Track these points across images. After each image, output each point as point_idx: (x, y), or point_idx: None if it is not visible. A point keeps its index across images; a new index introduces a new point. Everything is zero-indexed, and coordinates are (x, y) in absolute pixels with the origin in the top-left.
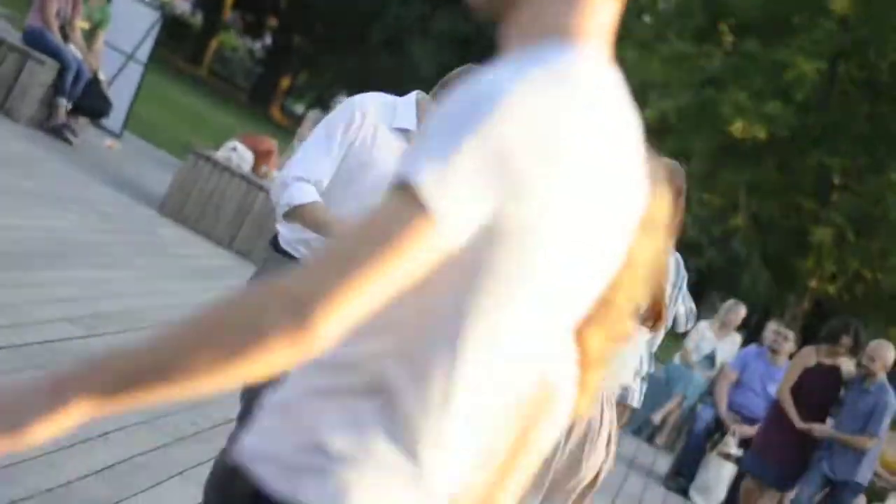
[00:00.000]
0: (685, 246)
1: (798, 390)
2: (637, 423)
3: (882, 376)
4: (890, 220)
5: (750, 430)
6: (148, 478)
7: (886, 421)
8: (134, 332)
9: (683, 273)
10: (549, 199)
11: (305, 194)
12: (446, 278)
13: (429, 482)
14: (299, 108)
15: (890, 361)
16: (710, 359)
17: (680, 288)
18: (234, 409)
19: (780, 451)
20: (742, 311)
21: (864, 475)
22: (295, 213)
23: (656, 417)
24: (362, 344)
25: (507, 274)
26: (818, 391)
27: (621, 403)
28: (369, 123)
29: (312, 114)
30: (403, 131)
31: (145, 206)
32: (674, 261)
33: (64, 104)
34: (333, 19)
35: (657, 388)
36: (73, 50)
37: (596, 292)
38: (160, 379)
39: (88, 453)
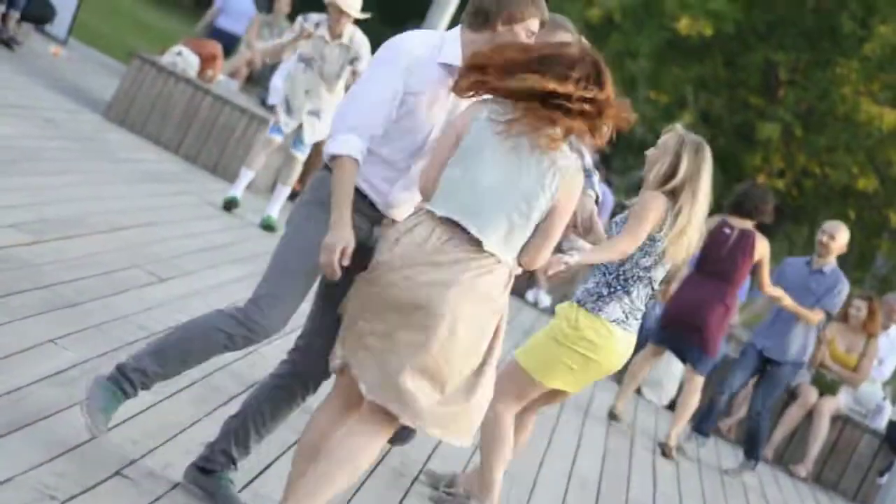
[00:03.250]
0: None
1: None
2: None
3: (834, 259)
4: (836, 114)
5: None
6: None
7: (839, 301)
8: (81, 237)
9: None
10: None
11: (343, 146)
12: None
13: None
14: None
15: (845, 244)
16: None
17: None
18: (180, 315)
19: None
20: None
21: (801, 354)
22: (332, 163)
23: None
24: None
25: None
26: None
27: None
28: (417, 64)
29: (260, 16)
30: (447, 66)
31: (91, 112)
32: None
33: (15, 16)
34: None
35: None
36: None
37: None
38: None
39: (38, 359)
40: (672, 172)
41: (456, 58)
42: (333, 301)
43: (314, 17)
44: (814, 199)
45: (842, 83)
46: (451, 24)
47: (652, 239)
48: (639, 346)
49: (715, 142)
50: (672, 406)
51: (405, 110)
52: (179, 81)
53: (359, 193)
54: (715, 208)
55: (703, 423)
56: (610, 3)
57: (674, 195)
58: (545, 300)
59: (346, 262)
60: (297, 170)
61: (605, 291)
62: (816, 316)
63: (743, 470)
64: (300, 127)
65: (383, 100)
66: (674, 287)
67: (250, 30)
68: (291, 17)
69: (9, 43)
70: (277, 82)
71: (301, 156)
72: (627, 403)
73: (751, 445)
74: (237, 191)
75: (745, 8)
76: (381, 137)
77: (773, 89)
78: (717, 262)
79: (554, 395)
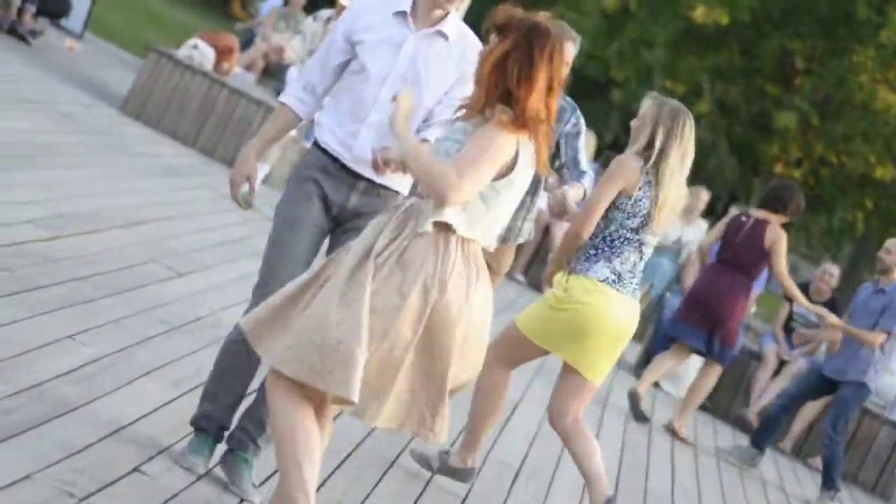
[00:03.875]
0: None
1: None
2: None
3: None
4: (853, 103)
5: None
6: (117, 378)
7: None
8: (99, 232)
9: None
10: None
11: (282, 95)
12: None
13: None
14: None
15: None
16: (677, 245)
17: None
18: (199, 309)
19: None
20: (705, 196)
21: (870, 376)
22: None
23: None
24: None
25: None
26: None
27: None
28: (362, 12)
29: (276, 9)
30: (401, 14)
31: (107, 106)
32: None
33: (18, 4)
34: None
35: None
36: None
37: None
38: None
39: (56, 355)
40: (650, 142)
41: (407, 4)
42: None
43: (324, 13)
44: (831, 188)
45: (858, 71)
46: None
47: (629, 198)
48: (665, 341)
49: (731, 131)
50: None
51: (357, 59)
52: (196, 75)
53: (327, 155)
54: (729, 198)
55: (760, 439)
56: None
57: (655, 165)
58: None
59: (252, 191)
60: (279, 147)
61: (591, 252)
62: (877, 338)
63: (824, 501)
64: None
65: (323, 50)
66: (689, 276)
67: (266, 22)
68: (307, 10)
69: (25, 37)
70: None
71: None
72: (647, 392)
73: (826, 473)
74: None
75: None
76: (341, 89)
77: (790, 78)
78: (734, 252)
79: (573, 382)
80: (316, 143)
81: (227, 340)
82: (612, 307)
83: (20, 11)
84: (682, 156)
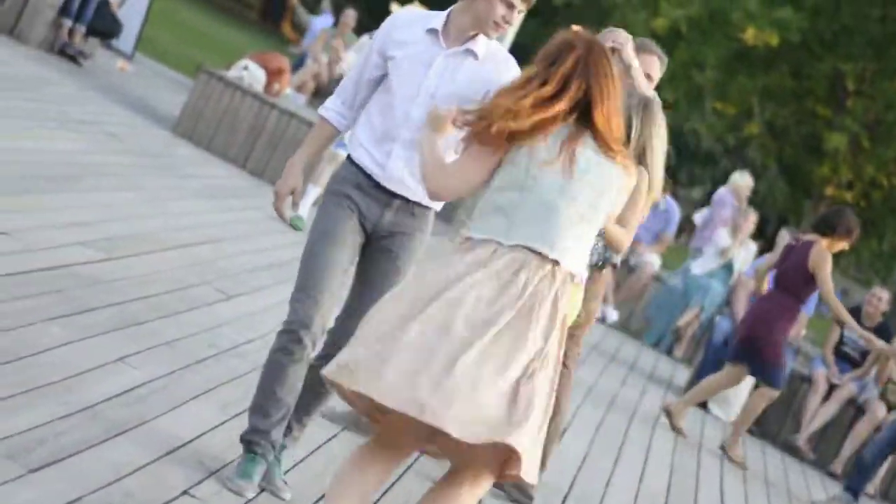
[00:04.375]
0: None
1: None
2: (655, 336)
3: None
4: None
5: None
6: (167, 401)
7: None
8: (150, 254)
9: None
10: None
11: (320, 109)
12: None
13: None
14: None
15: None
16: (728, 268)
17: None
18: (249, 332)
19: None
20: (753, 217)
21: None
22: None
23: (675, 325)
24: None
25: None
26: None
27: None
28: (395, 28)
29: (326, 31)
30: (433, 31)
31: (158, 128)
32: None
33: (69, 25)
34: None
35: (675, 300)
36: None
37: None
38: None
39: (107, 377)
40: (627, 135)
41: (439, 23)
42: (367, 281)
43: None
44: (882, 210)
45: None
46: (518, 35)
47: None
48: (715, 363)
49: (782, 153)
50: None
51: (388, 76)
52: (246, 96)
53: (361, 171)
54: (779, 221)
55: (855, 485)
56: (676, 13)
57: (638, 157)
58: (613, 315)
59: (295, 205)
60: (330, 169)
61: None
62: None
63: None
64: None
65: (359, 65)
66: (739, 299)
67: (316, 43)
68: (357, 31)
69: (76, 58)
70: None
71: (342, 153)
72: (686, 412)
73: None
74: (303, 209)
75: (811, 17)
76: (373, 106)
77: (841, 99)
78: (783, 275)
79: None
80: (350, 159)
81: (272, 351)
82: None
83: (71, 32)
84: (661, 143)
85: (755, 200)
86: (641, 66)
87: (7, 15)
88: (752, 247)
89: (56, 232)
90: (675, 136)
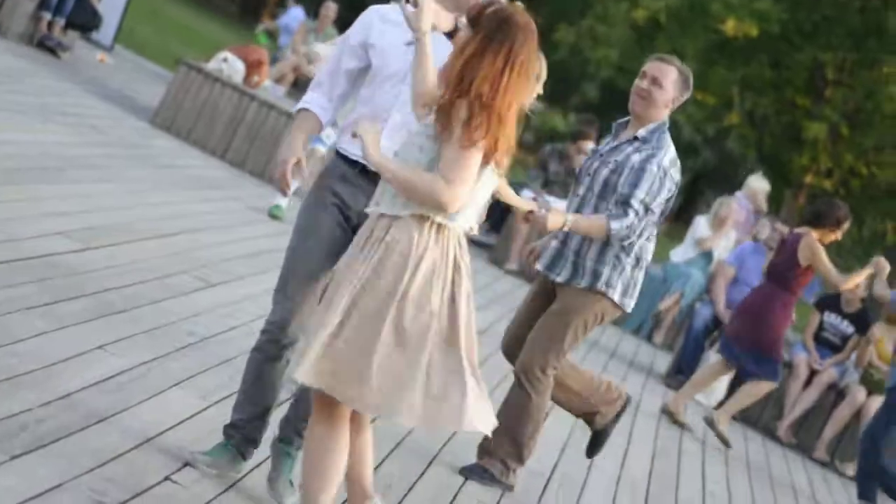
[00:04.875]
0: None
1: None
2: (635, 322)
3: None
4: (883, 114)
5: None
6: (147, 388)
7: None
8: (129, 244)
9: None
10: None
11: (301, 102)
12: None
13: None
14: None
15: None
16: (708, 256)
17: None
18: (228, 320)
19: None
20: (735, 206)
21: None
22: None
23: (663, 306)
24: None
25: None
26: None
27: None
28: (378, 18)
29: (306, 23)
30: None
31: (137, 119)
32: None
33: (48, 17)
34: None
35: (655, 287)
36: None
37: None
38: None
39: (87, 365)
40: None
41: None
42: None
43: None
44: (861, 198)
45: (889, 82)
46: None
47: None
48: (694, 350)
49: (761, 142)
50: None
51: (373, 64)
52: (226, 87)
53: (346, 161)
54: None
55: (865, 488)
56: (655, 4)
57: None
58: None
59: (299, 174)
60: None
61: None
62: None
63: None
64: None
65: (334, 57)
66: (718, 286)
67: (296, 36)
68: (337, 24)
69: (55, 50)
70: None
71: (320, 149)
72: (685, 407)
73: (862, 482)
74: (283, 199)
75: (790, 8)
76: (361, 100)
77: (820, 89)
78: (774, 268)
79: None
80: (337, 152)
81: (251, 350)
82: None
83: (50, 24)
84: None
85: (734, 189)
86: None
87: None
88: (733, 234)
89: (36, 222)
90: None
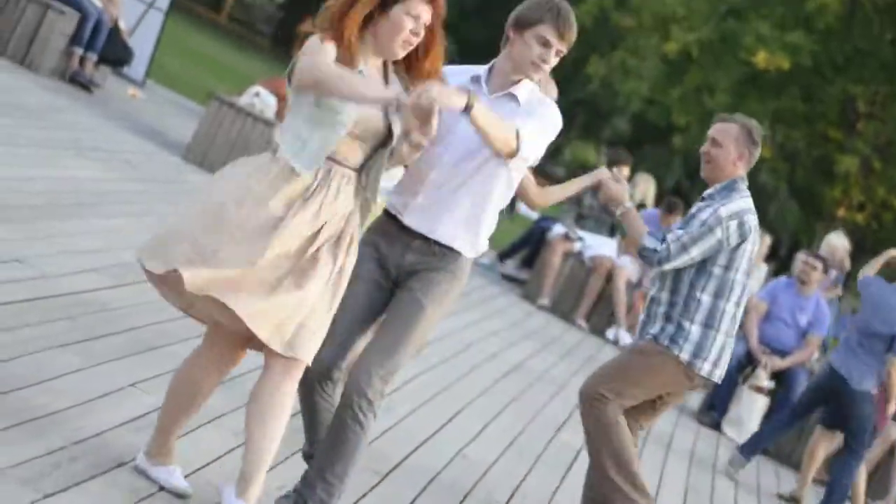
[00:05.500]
0: None
1: None
2: None
3: None
4: None
5: (781, 363)
6: None
7: None
8: None
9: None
10: None
11: None
12: None
13: None
14: None
15: None
16: None
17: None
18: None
19: None
20: (767, 241)
21: None
22: None
23: None
24: None
25: None
26: None
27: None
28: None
29: None
30: (477, 78)
31: (170, 154)
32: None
33: (80, 53)
34: None
35: None
36: None
37: None
38: None
39: (119, 403)
40: None
41: (483, 71)
42: (386, 315)
43: None
44: (893, 231)
45: None
46: None
47: None
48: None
49: (793, 176)
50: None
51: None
52: (258, 122)
53: (388, 216)
54: (792, 243)
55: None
56: (687, 37)
57: None
58: (625, 338)
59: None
60: None
61: None
62: None
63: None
64: None
65: None
66: (750, 322)
67: None
68: None
69: (86, 85)
70: None
71: None
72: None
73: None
74: None
75: (822, 41)
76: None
77: (852, 122)
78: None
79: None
80: (384, 209)
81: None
82: None
83: (82, 60)
84: None
85: (767, 223)
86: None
87: (18, 43)
88: (764, 268)
89: (69, 259)
90: (686, 161)
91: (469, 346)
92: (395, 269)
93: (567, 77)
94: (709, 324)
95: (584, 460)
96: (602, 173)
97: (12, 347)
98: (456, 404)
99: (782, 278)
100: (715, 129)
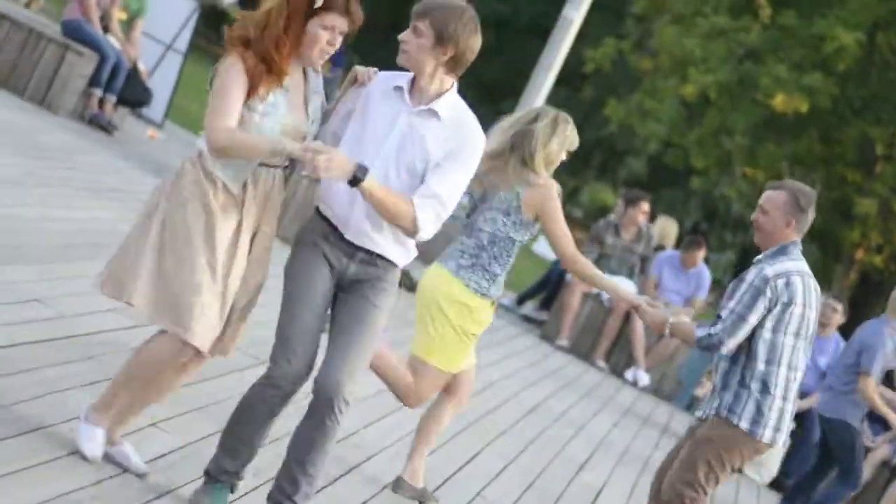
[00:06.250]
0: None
1: None
2: (687, 399)
3: None
4: None
5: (801, 403)
6: (199, 466)
7: None
8: None
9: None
10: None
11: None
12: None
13: None
14: None
15: None
16: None
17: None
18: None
19: None
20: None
21: None
22: None
23: (700, 391)
24: None
25: None
26: None
27: None
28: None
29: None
30: (399, 89)
31: None
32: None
33: (99, 94)
34: (375, 6)
35: (701, 361)
36: (112, 41)
37: None
38: None
39: (139, 442)
40: None
41: (405, 80)
42: (338, 324)
43: None
44: None
45: None
46: (547, 102)
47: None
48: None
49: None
50: (775, 485)
51: (353, 130)
52: None
53: (328, 223)
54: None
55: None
56: (705, 79)
57: None
58: (644, 379)
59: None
60: None
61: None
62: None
63: None
64: None
65: (331, 120)
66: None
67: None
68: None
69: (106, 127)
70: None
71: None
72: None
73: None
74: None
75: (840, 83)
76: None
77: (870, 164)
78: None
79: None
80: (317, 210)
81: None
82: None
83: (101, 102)
84: None
85: None
86: None
87: (38, 84)
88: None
89: (88, 299)
90: (704, 202)
91: (488, 387)
92: (338, 276)
93: (585, 117)
94: (764, 389)
95: (603, 500)
96: (637, 300)
97: (34, 387)
98: (476, 444)
99: None
100: (764, 197)
